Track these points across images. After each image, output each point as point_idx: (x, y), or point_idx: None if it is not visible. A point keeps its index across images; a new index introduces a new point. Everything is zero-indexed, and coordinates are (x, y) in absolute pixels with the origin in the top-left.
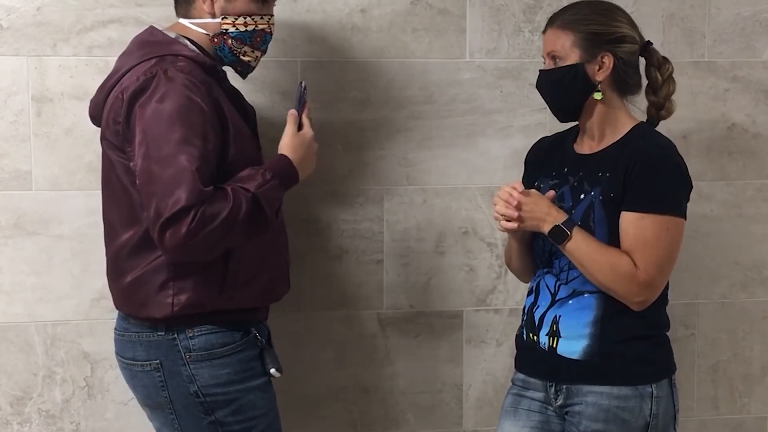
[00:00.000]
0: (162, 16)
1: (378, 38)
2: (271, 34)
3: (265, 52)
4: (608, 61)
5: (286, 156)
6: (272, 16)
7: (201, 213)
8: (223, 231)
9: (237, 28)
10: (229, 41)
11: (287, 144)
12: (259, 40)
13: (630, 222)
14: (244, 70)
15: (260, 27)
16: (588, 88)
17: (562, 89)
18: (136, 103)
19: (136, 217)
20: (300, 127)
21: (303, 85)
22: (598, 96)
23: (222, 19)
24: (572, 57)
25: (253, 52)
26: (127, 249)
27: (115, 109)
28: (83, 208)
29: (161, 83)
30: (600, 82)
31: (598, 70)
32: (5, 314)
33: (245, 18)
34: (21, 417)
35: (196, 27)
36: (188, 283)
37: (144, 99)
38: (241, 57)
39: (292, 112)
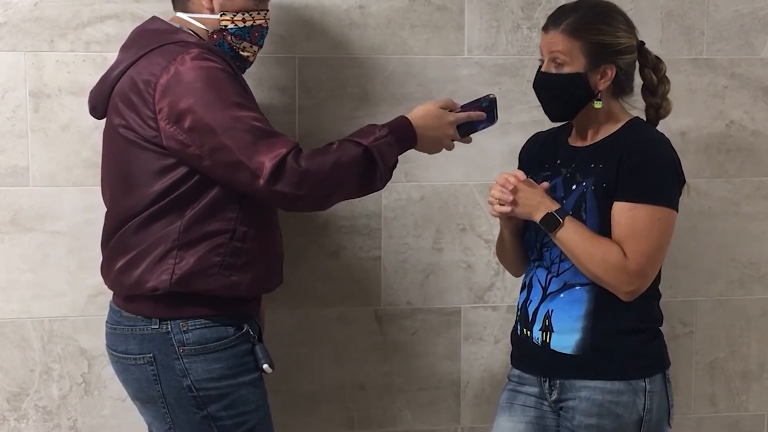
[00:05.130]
0: (159, 11)
1: (376, 34)
2: (267, 28)
3: (261, 47)
4: (611, 72)
5: (406, 117)
6: (268, 10)
7: (303, 154)
8: (333, 171)
9: (236, 25)
10: (229, 37)
11: (419, 110)
12: (257, 35)
13: (622, 212)
14: (242, 65)
15: (258, 22)
16: (588, 96)
17: (563, 96)
18: (170, 89)
19: (139, 196)
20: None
21: (491, 97)
22: (598, 105)
23: (221, 15)
24: (576, 65)
25: (251, 47)
26: (134, 226)
27: (137, 95)
28: (80, 205)
29: (186, 63)
30: (600, 91)
31: (600, 79)
32: (1, 310)
33: (243, 14)
34: (18, 413)
35: (195, 21)
36: (191, 253)
37: (174, 82)
38: (241, 52)
39: (456, 104)
